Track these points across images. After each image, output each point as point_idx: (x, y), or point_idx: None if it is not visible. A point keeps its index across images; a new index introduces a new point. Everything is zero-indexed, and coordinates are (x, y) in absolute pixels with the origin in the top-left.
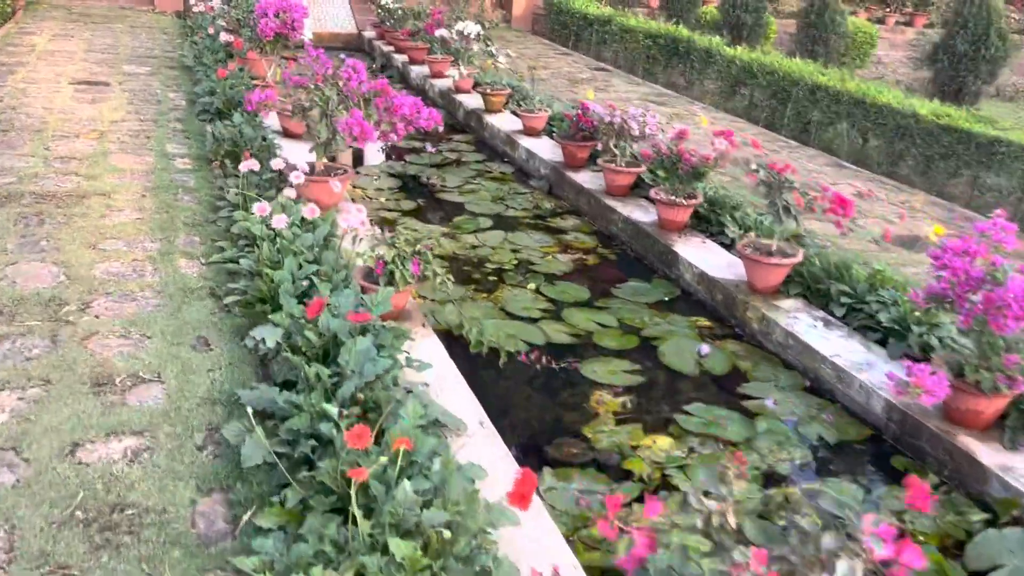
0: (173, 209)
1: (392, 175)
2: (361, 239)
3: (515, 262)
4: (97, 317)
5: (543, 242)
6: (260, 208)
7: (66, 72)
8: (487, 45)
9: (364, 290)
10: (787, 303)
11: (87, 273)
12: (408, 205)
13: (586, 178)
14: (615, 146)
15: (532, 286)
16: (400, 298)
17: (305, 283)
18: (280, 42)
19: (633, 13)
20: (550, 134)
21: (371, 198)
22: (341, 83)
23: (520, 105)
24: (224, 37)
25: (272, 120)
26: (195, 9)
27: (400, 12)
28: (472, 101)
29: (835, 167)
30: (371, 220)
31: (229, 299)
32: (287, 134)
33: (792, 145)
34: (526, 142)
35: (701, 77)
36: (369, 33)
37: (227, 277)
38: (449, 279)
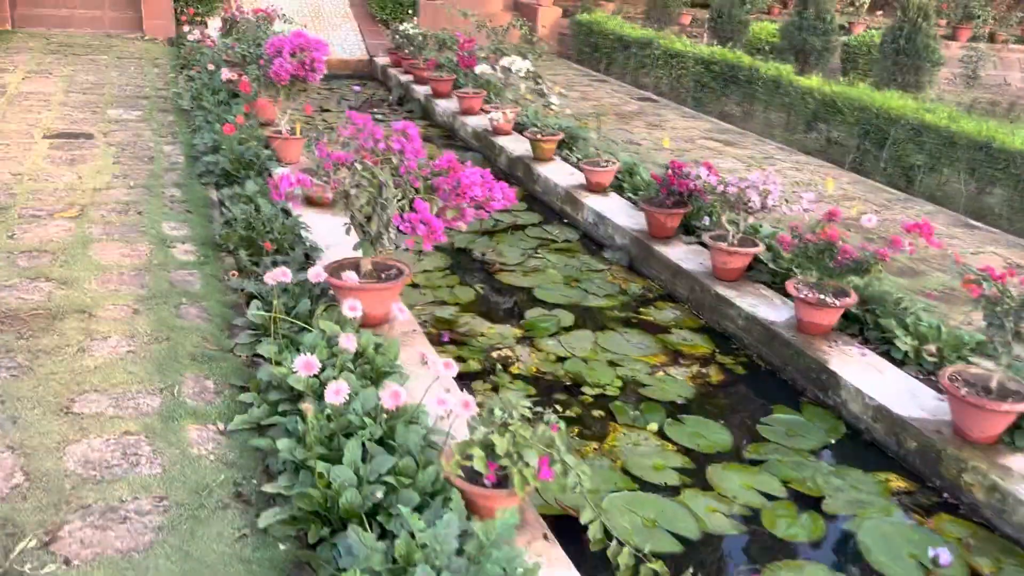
0: (175, 332)
1: (437, 248)
2: (451, 412)
3: (619, 383)
4: (67, 565)
5: (645, 347)
6: (305, 365)
7: (41, 121)
8: (537, 83)
9: (468, 503)
10: (1021, 463)
11: (55, 466)
12: (465, 295)
13: (680, 254)
14: (728, 221)
15: (653, 427)
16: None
17: (379, 494)
18: (296, 86)
19: (675, 35)
20: (618, 190)
21: (417, 284)
22: (395, 159)
23: (572, 151)
24: (226, 74)
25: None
26: (189, 37)
27: (421, 38)
28: (516, 146)
29: (962, 226)
30: (424, 321)
31: (266, 519)
32: (310, 203)
33: (894, 195)
34: (592, 201)
35: (766, 110)
36: (382, 60)
37: (257, 458)
38: (584, 474)
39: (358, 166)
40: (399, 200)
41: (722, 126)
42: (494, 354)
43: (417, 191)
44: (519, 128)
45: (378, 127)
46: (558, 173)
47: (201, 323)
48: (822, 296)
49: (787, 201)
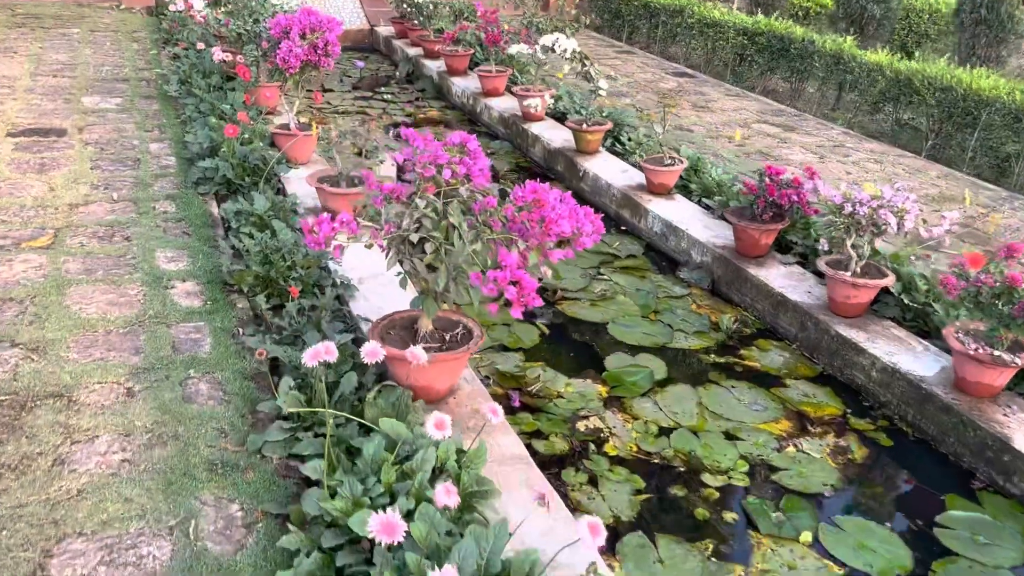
0: (183, 425)
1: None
2: None
3: (744, 465)
4: None
5: (761, 408)
6: (385, 528)
7: (3, 115)
8: (583, 65)
9: None
10: None
11: None
12: (527, 334)
13: (780, 279)
14: (852, 246)
15: (806, 537)
16: None
17: None
18: (307, 72)
19: (712, 2)
20: (683, 190)
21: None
22: (464, 190)
23: (618, 141)
24: (218, 55)
25: (305, 190)
26: (171, 7)
27: (431, 6)
28: (552, 135)
29: None
30: (486, 377)
31: None
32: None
33: (993, 191)
34: (657, 207)
35: (822, 87)
36: (385, 29)
37: None
38: None
39: (419, 203)
40: (473, 244)
41: (773, 106)
42: (580, 425)
43: (491, 230)
44: (555, 115)
45: (439, 148)
46: (608, 169)
47: (216, 407)
48: (996, 352)
49: (925, 222)
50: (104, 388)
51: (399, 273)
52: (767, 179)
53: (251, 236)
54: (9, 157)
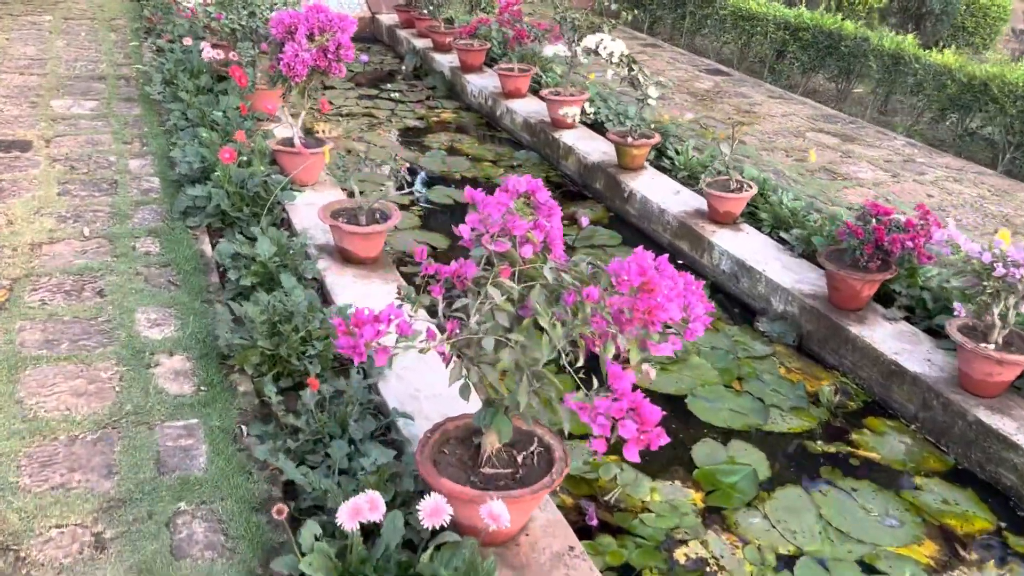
0: None
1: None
2: None
3: None
4: None
5: (895, 523)
6: None
7: None
8: (631, 71)
9: None
10: None
11: None
12: None
13: (888, 340)
14: (1000, 315)
15: None
16: None
17: None
18: (315, 79)
19: None
20: (750, 217)
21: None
22: (550, 273)
23: (664, 156)
24: (209, 53)
25: (314, 220)
26: None
27: None
28: (588, 147)
29: None
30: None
31: None
32: (347, 259)
33: None
34: (723, 240)
35: (877, 90)
36: (388, 18)
37: None
38: None
39: (493, 292)
40: (563, 344)
41: (824, 111)
42: (679, 554)
43: (584, 325)
44: (588, 123)
45: (517, 216)
46: (659, 190)
47: (216, 564)
48: None
49: None
50: (64, 536)
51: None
52: (874, 221)
53: (253, 294)
54: None
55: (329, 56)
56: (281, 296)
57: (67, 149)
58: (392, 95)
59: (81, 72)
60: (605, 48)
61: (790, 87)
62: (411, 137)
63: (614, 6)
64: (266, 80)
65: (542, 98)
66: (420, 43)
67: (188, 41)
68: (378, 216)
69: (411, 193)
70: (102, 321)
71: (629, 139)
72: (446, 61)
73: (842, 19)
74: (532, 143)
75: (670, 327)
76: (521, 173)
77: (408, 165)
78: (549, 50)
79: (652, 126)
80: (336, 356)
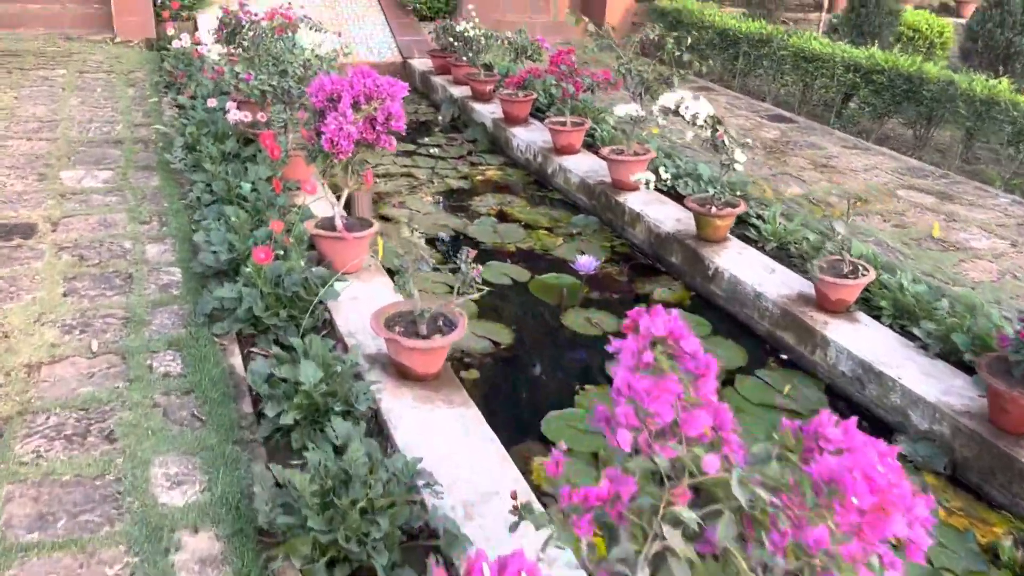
0: None
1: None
2: None
3: None
4: None
5: None
6: None
7: None
8: (715, 131)
9: None
10: None
11: None
12: None
13: None
14: None
15: None
16: None
17: None
18: (361, 153)
19: (790, 23)
20: (864, 304)
21: None
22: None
23: (749, 226)
24: (235, 115)
25: (361, 322)
26: (175, 43)
27: (483, 40)
28: (661, 214)
29: None
30: None
31: None
32: (403, 374)
33: None
34: (841, 335)
35: (968, 140)
36: (421, 63)
37: None
38: None
39: (671, 538)
40: None
41: (908, 163)
42: None
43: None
44: (680, 195)
45: (692, 411)
46: (749, 268)
47: None
48: None
49: None
50: None
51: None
52: None
53: (301, 454)
54: None
55: (377, 127)
56: (331, 452)
57: (76, 233)
58: (431, 150)
59: (95, 136)
60: (688, 109)
61: (860, 133)
62: (456, 200)
63: (686, 56)
64: (302, 151)
65: (601, 156)
66: (457, 91)
67: (213, 102)
68: (441, 323)
69: (482, 295)
70: (110, 481)
71: (712, 208)
72: (487, 111)
73: (921, 60)
74: (591, 206)
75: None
76: (581, 242)
77: (478, 270)
78: (620, 110)
79: (738, 192)
80: (406, 530)
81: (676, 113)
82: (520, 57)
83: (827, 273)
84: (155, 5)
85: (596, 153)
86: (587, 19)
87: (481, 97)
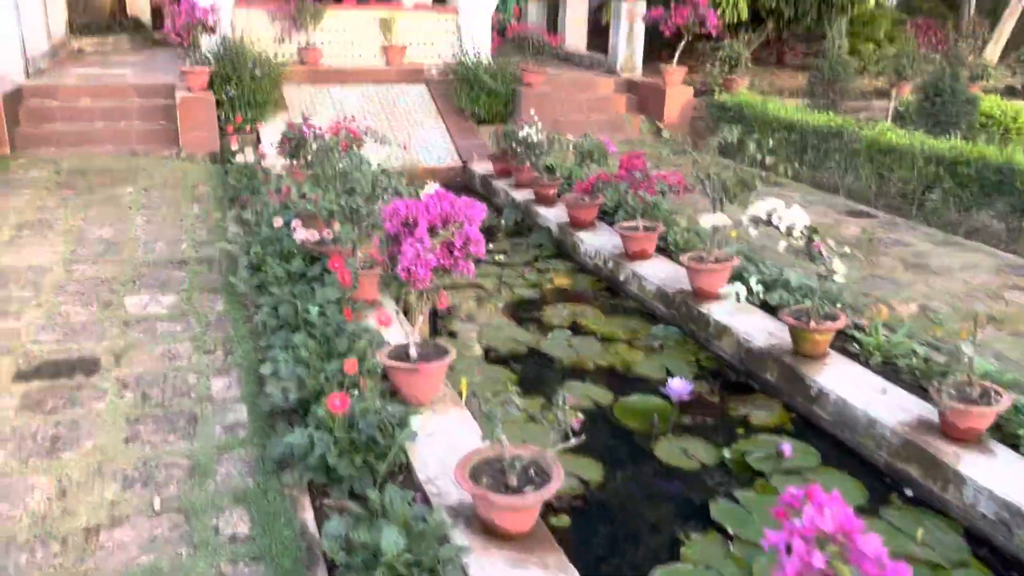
0: None
1: None
2: None
3: None
4: None
5: None
6: None
7: (18, 335)
8: (811, 240)
9: None
10: None
11: None
12: None
13: None
14: None
15: None
16: None
17: None
18: (441, 277)
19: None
20: (996, 431)
21: None
22: None
23: (851, 339)
24: (302, 235)
25: (440, 468)
26: (238, 158)
27: (546, 144)
28: (750, 326)
29: None
30: None
31: None
32: (490, 530)
33: None
34: (980, 472)
35: None
36: (481, 167)
37: None
38: None
39: None
40: None
41: (1007, 259)
42: None
43: None
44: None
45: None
46: (857, 388)
47: None
48: None
49: None
50: None
51: None
52: None
53: None
54: (11, 425)
55: (456, 253)
56: None
57: (140, 368)
58: (496, 258)
59: (160, 256)
60: (781, 218)
61: (946, 226)
62: (526, 312)
63: (769, 159)
64: (370, 270)
65: (679, 262)
66: (520, 195)
67: (279, 221)
68: (532, 472)
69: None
70: None
71: (811, 322)
72: (552, 215)
73: (1010, 150)
74: (670, 315)
75: None
76: (664, 357)
77: (579, 420)
78: (707, 220)
79: (838, 304)
80: None
81: (768, 223)
82: (585, 160)
83: (954, 399)
84: (219, 119)
85: (670, 257)
86: (644, 116)
87: (545, 201)
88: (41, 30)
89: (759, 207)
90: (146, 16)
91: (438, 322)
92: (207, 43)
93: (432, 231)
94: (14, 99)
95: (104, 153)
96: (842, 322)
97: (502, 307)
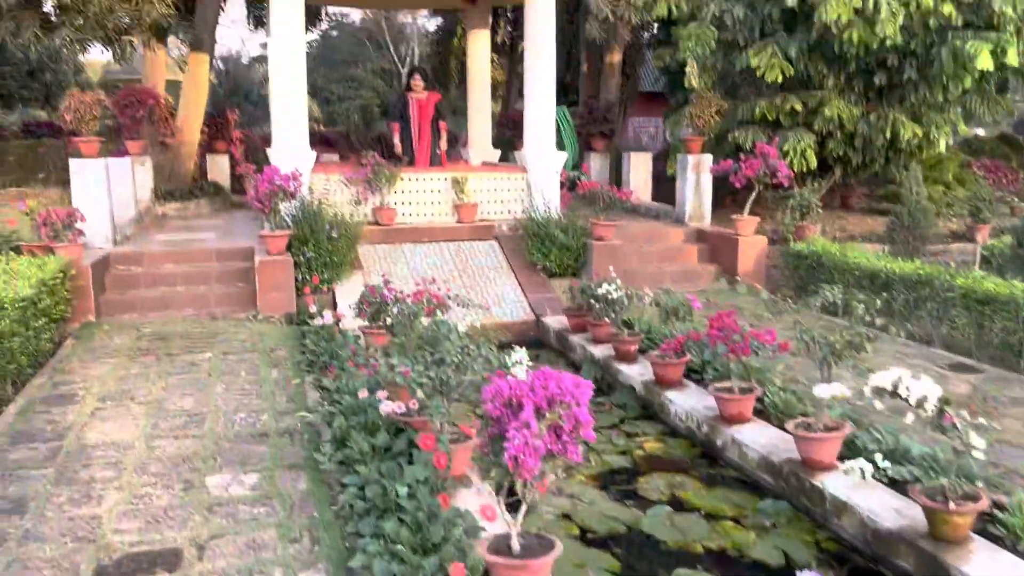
0: None
1: None
2: None
3: None
4: None
5: None
6: None
7: (99, 523)
8: (943, 411)
9: None
10: None
11: None
12: None
13: None
14: None
15: None
16: None
17: None
18: (548, 463)
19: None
20: None
21: None
22: None
23: (992, 518)
24: (388, 407)
25: None
26: (316, 321)
27: (625, 300)
28: (874, 503)
29: None
30: None
31: None
32: None
33: None
34: None
35: None
36: (555, 321)
37: None
38: None
39: None
40: None
41: None
42: None
43: None
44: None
45: None
46: None
47: None
48: None
49: None
50: None
51: None
52: None
53: None
54: None
55: (564, 438)
56: None
57: (224, 561)
58: None
59: (241, 429)
60: (909, 390)
61: None
62: (619, 482)
63: (879, 320)
64: (460, 443)
65: (784, 429)
66: (598, 351)
67: (364, 394)
68: None
69: None
70: None
71: (949, 503)
72: (635, 373)
73: None
74: (777, 488)
75: None
76: (775, 538)
77: None
78: (823, 391)
79: (977, 482)
80: None
81: (895, 395)
82: (669, 317)
83: None
84: (295, 280)
85: (769, 421)
86: (716, 266)
87: (625, 358)
88: (129, 199)
89: (883, 377)
90: (226, 180)
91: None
92: (286, 207)
93: (538, 413)
94: (101, 267)
95: (184, 317)
96: (984, 503)
97: (592, 477)
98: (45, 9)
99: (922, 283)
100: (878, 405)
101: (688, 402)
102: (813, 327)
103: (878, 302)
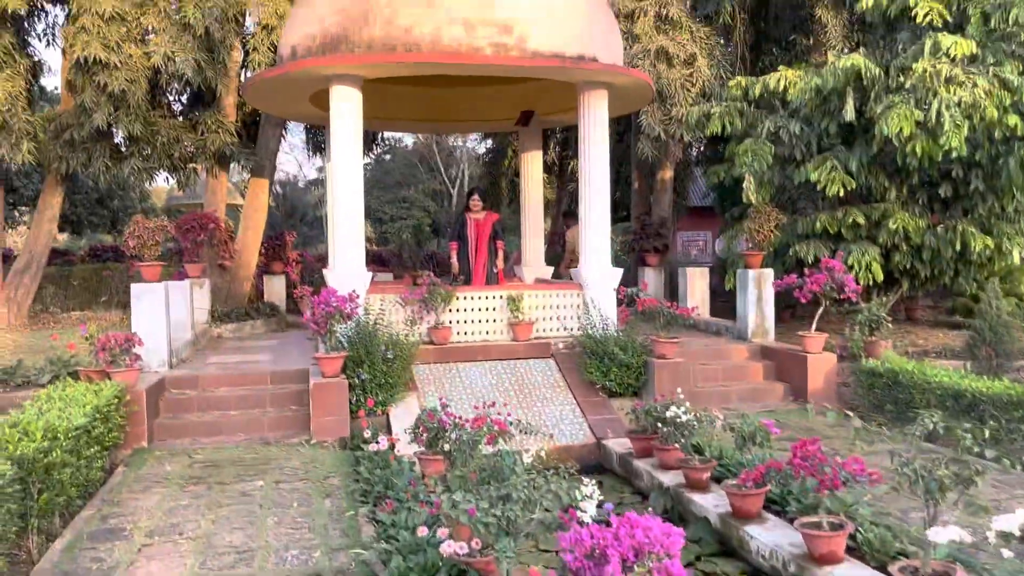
0: None
1: None
2: None
3: None
4: None
5: None
6: None
7: None
8: None
9: None
10: None
11: None
12: None
13: None
14: None
15: None
16: None
17: None
18: None
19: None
20: None
21: None
22: None
23: None
24: (450, 547)
25: None
26: (371, 447)
27: (694, 424)
28: None
29: None
30: None
31: None
32: None
33: None
34: None
35: None
36: (618, 444)
37: None
38: None
39: None
40: None
41: None
42: None
43: None
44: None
45: None
46: None
47: None
48: None
49: None
50: None
51: None
52: None
53: None
54: None
55: None
56: None
57: None
58: None
59: (293, 568)
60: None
61: None
62: None
63: (989, 453)
64: None
65: (879, 569)
66: (667, 478)
67: (423, 531)
68: None
69: None
70: None
71: None
72: (709, 504)
73: None
74: None
75: None
76: None
77: None
78: (939, 535)
79: None
80: None
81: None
82: (747, 443)
83: None
84: (350, 402)
85: (863, 560)
86: (784, 384)
87: (697, 486)
88: (187, 321)
89: (1008, 521)
90: (282, 301)
91: None
92: (341, 328)
93: (624, 566)
94: (156, 391)
95: (237, 443)
96: None
97: None
98: (115, 140)
99: (1015, 405)
100: (1007, 553)
101: (771, 538)
102: (912, 457)
103: (987, 432)
